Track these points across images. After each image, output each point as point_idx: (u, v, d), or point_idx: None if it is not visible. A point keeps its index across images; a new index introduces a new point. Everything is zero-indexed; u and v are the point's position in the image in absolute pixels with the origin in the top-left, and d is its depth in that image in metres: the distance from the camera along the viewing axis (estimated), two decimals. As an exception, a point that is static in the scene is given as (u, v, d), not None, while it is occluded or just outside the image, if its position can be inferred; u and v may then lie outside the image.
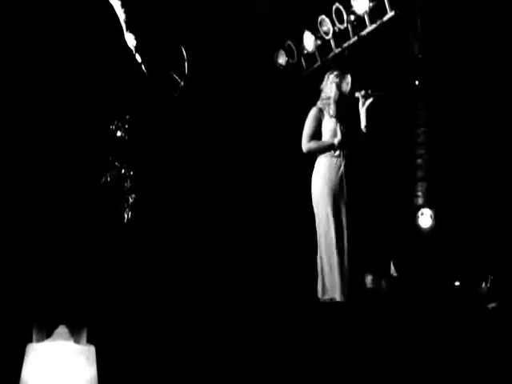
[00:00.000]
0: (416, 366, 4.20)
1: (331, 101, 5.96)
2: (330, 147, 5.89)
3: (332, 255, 5.72)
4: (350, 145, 5.88)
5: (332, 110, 5.94)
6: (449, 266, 6.92)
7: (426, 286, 6.54)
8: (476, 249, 7.03)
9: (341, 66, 6.45)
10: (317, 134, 5.97)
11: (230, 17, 7.97)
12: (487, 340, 4.49)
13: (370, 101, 5.93)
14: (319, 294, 5.78)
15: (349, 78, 5.98)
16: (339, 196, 5.80)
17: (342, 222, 5.75)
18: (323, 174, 5.88)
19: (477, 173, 7.44)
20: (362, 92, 5.94)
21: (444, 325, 4.73)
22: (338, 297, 5.64)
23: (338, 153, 5.86)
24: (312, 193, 5.95)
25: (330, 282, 5.74)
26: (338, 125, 5.88)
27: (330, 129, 5.92)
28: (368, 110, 5.94)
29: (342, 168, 5.83)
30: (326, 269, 5.76)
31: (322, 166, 5.91)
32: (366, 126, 5.93)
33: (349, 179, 5.82)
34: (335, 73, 6.05)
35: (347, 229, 5.74)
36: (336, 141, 5.84)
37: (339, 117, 5.92)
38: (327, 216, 5.78)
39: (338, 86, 5.98)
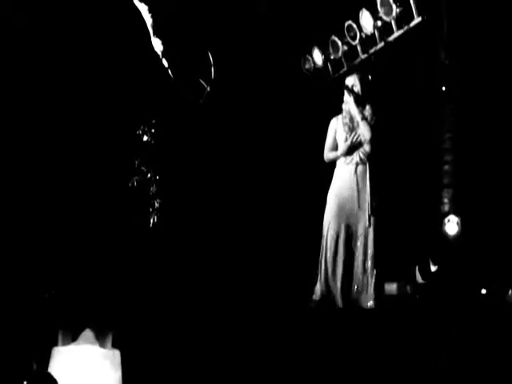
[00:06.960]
0: (441, 372, 4.19)
1: (345, 108, 5.93)
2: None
3: (335, 260, 5.72)
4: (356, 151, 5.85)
5: (345, 118, 5.89)
6: (475, 273, 6.87)
7: (452, 294, 6.50)
8: (502, 256, 6.98)
9: (355, 69, 6.39)
10: (336, 144, 5.96)
11: (256, 22, 7.98)
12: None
13: (352, 97, 5.85)
14: (315, 296, 5.74)
15: (350, 79, 5.92)
16: (350, 202, 5.77)
17: (351, 229, 5.73)
18: (335, 181, 5.89)
19: (504, 179, 7.38)
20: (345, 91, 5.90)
21: (470, 332, 4.70)
22: (337, 302, 5.62)
23: (350, 159, 5.84)
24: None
25: (328, 286, 5.71)
26: (347, 135, 5.83)
27: (341, 138, 5.88)
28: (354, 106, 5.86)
29: (355, 175, 5.79)
30: (327, 272, 5.74)
31: (337, 172, 5.92)
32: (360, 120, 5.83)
33: (371, 186, 5.77)
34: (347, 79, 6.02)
35: (359, 236, 5.72)
36: (339, 153, 5.85)
37: (353, 126, 5.86)
38: (333, 221, 5.76)
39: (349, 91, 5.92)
